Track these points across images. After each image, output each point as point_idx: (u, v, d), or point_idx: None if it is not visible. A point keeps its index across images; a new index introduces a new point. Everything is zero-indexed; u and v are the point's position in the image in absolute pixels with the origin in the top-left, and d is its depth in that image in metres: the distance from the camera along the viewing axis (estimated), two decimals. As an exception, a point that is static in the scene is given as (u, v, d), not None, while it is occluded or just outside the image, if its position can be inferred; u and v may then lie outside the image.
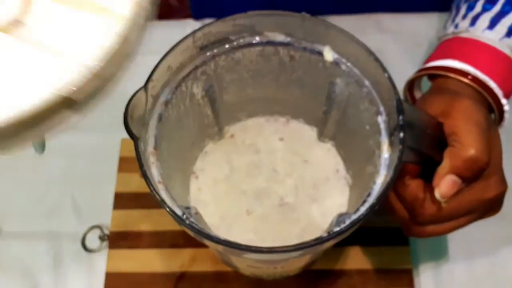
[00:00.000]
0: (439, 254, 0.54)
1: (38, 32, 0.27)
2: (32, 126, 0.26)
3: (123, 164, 0.58)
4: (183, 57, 0.42)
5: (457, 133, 0.39)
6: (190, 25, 0.68)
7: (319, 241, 0.35)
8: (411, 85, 0.52)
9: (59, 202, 0.58)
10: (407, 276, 0.52)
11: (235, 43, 0.44)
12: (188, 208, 0.40)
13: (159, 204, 0.36)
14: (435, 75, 0.48)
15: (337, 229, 0.36)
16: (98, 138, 0.61)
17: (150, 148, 0.40)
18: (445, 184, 0.39)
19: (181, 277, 0.53)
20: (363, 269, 0.52)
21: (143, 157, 0.38)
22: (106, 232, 0.55)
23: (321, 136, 0.51)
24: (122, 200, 0.56)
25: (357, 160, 0.47)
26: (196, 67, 0.43)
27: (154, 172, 0.39)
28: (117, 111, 0.62)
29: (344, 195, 0.49)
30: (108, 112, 0.62)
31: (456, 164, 0.39)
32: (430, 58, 0.50)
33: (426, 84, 0.51)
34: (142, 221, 0.55)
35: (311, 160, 0.51)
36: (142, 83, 0.39)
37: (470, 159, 0.38)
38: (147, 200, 0.56)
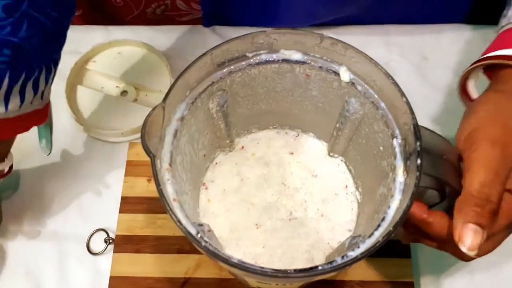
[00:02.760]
0: (441, 267, 0.54)
1: None
2: None
3: (130, 168, 0.58)
4: (200, 74, 0.42)
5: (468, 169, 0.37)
6: (199, 31, 0.68)
7: (334, 266, 0.35)
8: (465, 80, 0.47)
9: (65, 204, 0.57)
10: (408, 288, 0.52)
11: (251, 60, 0.44)
12: (201, 225, 0.40)
13: (176, 225, 0.36)
14: (493, 68, 0.44)
15: (351, 253, 0.36)
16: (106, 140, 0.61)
17: (165, 164, 0.40)
18: (466, 236, 0.36)
19: (185, 283, 0.53)
20: (365, 280, 0.53)
21: (160, 175, 0.38)
22: (111, 235, 0.55)
23: (331, 151, 0.51)
24: (128, 204, 0.56)
25: (368, 178, 0.47)
26: (213, 83, 0.43)
27: (169, 189, 0.39)
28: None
29: (353, 212, 0.49)
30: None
31: (465, 211, 0.37)
32: (487, 51, 0.46)
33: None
34: (148, 225, 0.55)
35: (320, 174, 0.51)
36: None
37: (477, 205, 0.36)
38: (153, 204, 0.56)
